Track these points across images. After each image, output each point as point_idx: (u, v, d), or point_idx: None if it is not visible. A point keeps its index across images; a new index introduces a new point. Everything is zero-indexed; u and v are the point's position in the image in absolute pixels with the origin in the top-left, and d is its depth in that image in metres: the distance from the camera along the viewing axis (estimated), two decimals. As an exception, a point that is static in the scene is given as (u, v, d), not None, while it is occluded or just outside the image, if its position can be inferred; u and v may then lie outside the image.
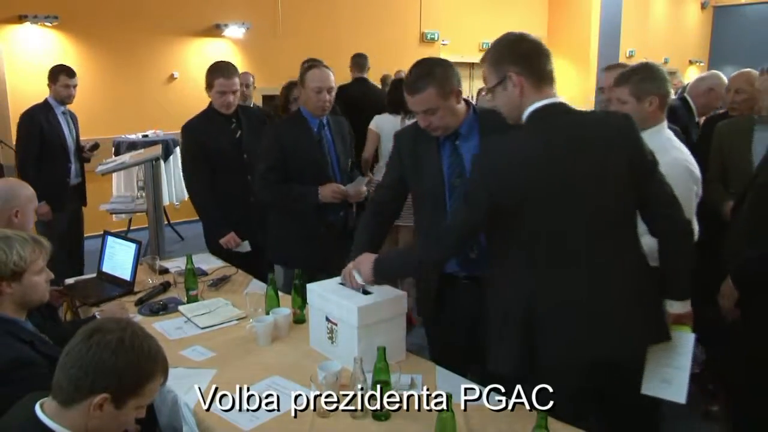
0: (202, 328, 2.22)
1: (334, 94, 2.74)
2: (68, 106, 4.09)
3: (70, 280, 2.77)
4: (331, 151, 2.78)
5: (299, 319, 2.24)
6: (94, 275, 2.78)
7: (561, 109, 1.64)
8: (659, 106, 2.08)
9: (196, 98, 5.37)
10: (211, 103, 3.03)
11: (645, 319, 1.67)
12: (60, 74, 3.97)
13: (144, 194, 4.61)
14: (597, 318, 1.60)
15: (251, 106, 4.52)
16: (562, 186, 1.58)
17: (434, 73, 1.87)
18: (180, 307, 2.39)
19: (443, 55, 9.14)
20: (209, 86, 2.96)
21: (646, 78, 2.10)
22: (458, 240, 1.71)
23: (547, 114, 1.62)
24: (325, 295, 1.97)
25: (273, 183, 2.71)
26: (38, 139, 3.85)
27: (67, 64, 4.12)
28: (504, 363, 1.70)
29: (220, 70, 2.93)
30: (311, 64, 2.78)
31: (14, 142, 4.09)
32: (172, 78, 6.40)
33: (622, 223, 1.65)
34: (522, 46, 1.64)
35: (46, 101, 4.00)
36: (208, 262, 2.93)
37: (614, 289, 1.62)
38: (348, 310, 1.87)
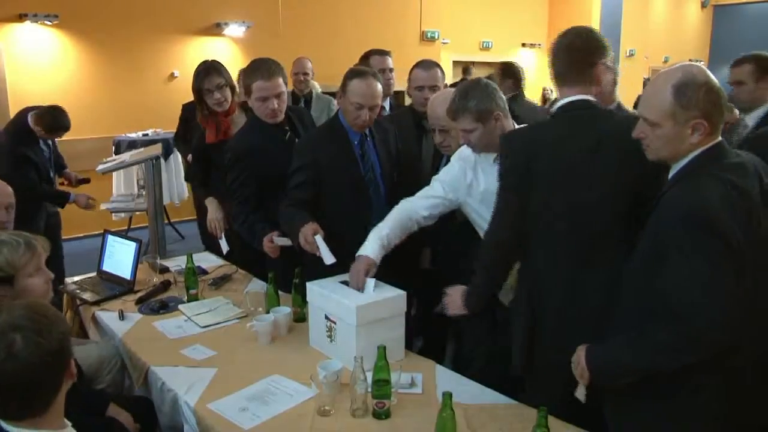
0: (203, 327, 2.22)
1: (378, 110, 2.29)
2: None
3: (70, 279, 2.77)
4: (376, 166, 2.34)
5: (299, 318, 2.24)
6: (95, 274, 2.78)
7: (586, 104, 1.70)
8: (506, 117, 2.03)
9: (196, 97, 5.39)
10: (253, 112, 2.48)
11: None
12: (61, 131, 3.59)
13: (144, 193, 4.61)
14: (585, 322, 1.64)
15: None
16: (574, 178, 1.63)
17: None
18: (180, 306, 2.40)
19: (443, 55, 9.16)
20: (247, 91, 2.42)
21: (481, 100, 1.97)
22: (503, 223, 1.76)
23: (573, 108, 1.70)
24: (325, 294, 1.97)
25: (286, 204, 2.27)
26: (32, 166, 3.51)
27: (61, 110, 3.60)
28: (513, 359, 1.78)
29: (257, 71, 2.38)
30: (356, 70, 2.29)
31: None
32: (172, 77, 6.39)
33: (625, 223, 1.67)
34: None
35: (30, 132, 3.51)
36: (208, 261, 2.93)
37: (607, 293, 1.62)
38: (347, 309, 1.87)
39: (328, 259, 2.03)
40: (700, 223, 1.30)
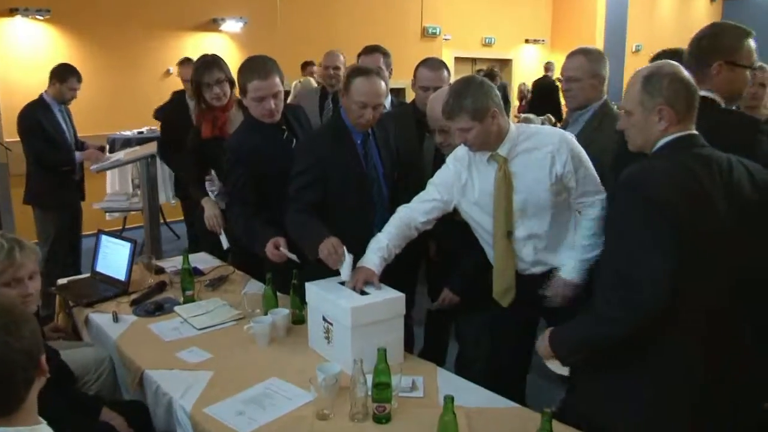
0: (199, 330, 2.18)
1: (381, 108, 2.26)
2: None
3: (62, 280, 2.73)
4: (378, 166, 2.31)
5: (297, 320, 2.21)
6: (88, 275, 2.74)
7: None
8: (502, 114, 1.99)
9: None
10: (249, 111, 2.43)
11: None
12: (71, 77, 3.81)
13: (139, 192, 4.57)
14: None
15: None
16: None
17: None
18: (176, 308, 2.36)
19: (445, 51, 9.12)
20: (243, 91, 2.38)
21: (477, 98, 1.93)
22: None
23: None
24: (323, 294, 1.94)
25: (294, 210, 2.21)
26: (41, 134, 3.73)
27: (69, 63, 3.97)
28: None
29: (253, 70, 2.34)
30: (359, 68, 2.27)
31: (18, 141, 3.91)
32: (167, 74, 6.34)
33: None
34: None
35: (42, 99, 3.82)
36: (204, 262, 2.89)
37: None
38: (342, 310, 1.84)
39: (346, 277, 2.00)
40: (633, 186, 1.41)
